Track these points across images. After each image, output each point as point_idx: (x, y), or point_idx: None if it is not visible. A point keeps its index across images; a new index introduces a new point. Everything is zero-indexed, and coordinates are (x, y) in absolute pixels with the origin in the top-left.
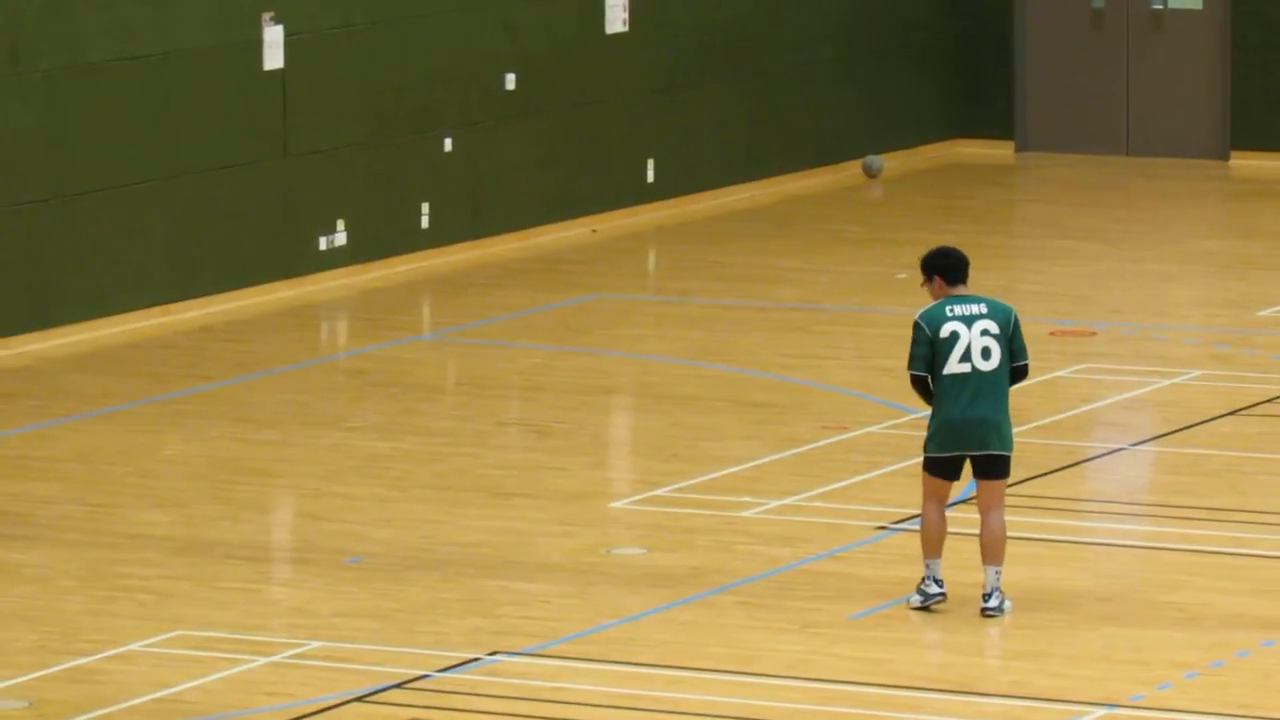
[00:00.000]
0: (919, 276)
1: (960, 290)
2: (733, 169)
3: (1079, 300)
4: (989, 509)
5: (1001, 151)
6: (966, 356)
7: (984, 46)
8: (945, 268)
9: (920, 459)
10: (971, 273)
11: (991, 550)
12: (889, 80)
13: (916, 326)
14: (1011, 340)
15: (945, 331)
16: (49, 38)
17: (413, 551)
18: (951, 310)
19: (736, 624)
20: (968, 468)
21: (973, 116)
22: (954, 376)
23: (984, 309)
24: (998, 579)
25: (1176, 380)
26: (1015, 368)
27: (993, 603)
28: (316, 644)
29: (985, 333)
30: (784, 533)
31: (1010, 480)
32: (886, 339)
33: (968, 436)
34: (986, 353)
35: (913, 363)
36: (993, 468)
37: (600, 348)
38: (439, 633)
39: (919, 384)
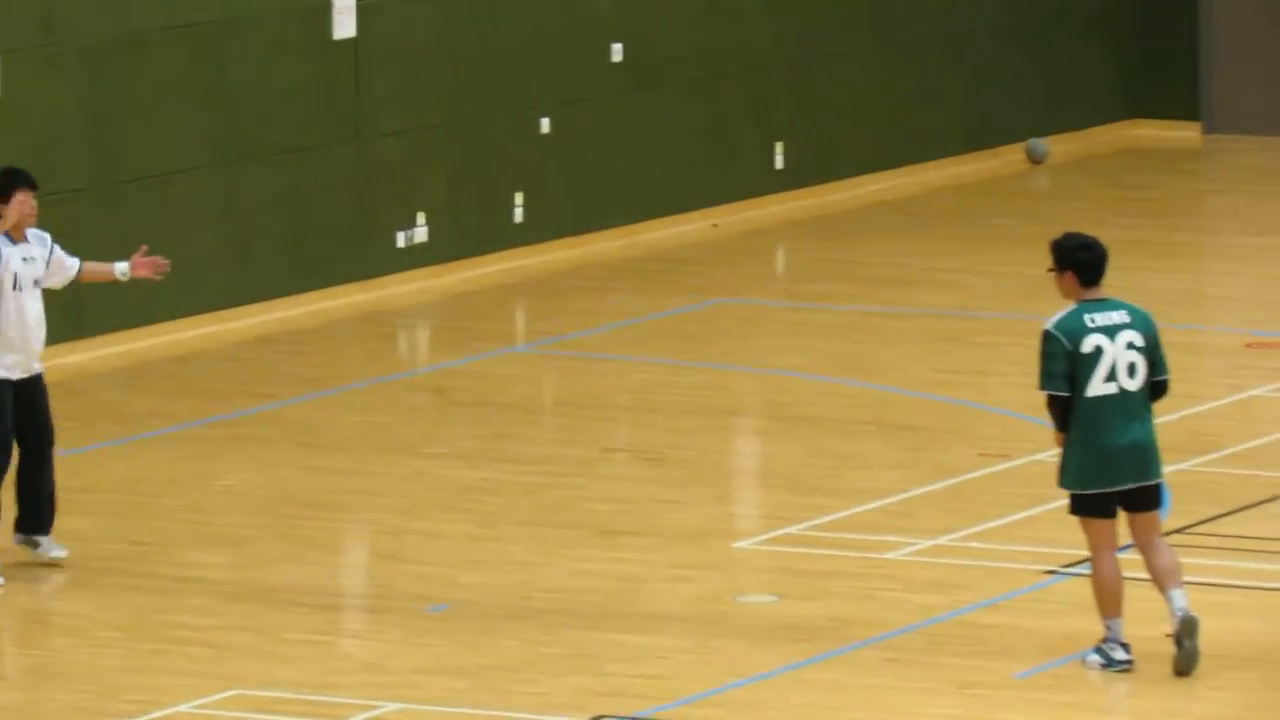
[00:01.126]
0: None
1: (1095, 293)
2: (875, 154)
3: (1269, 304)
4: (1149, 542)
5: (1186, 134)
6: (1112, 375)
7: (1167, 14)
8: (1085, 263)
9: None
10: (1149, 276)
11: (1169, 572)
12: (1057, 52)
13: (1050, 338)
14: (1153, 352)
15: (1087, 346)
16: (86, 4)
17: (506, 599)
18: (1091, 320)
19: (883, 684)
20: None
21: (1153, 94)
22: (1101, 399)
23: (1127, 317)
24: (1185, 600)
25: None
26: (1156, 383)
27: (1188, 645)
28: (393, 706)
29: (1131, 346)
30: (937, 578)
31: (1178, 521)
32: None
33: (1124, 467)
34: (1133, 369)
35: (1050, 381)
36: (1148, 498)
37: (722, 362)
38: (537, 693)
39: (1057, 406)
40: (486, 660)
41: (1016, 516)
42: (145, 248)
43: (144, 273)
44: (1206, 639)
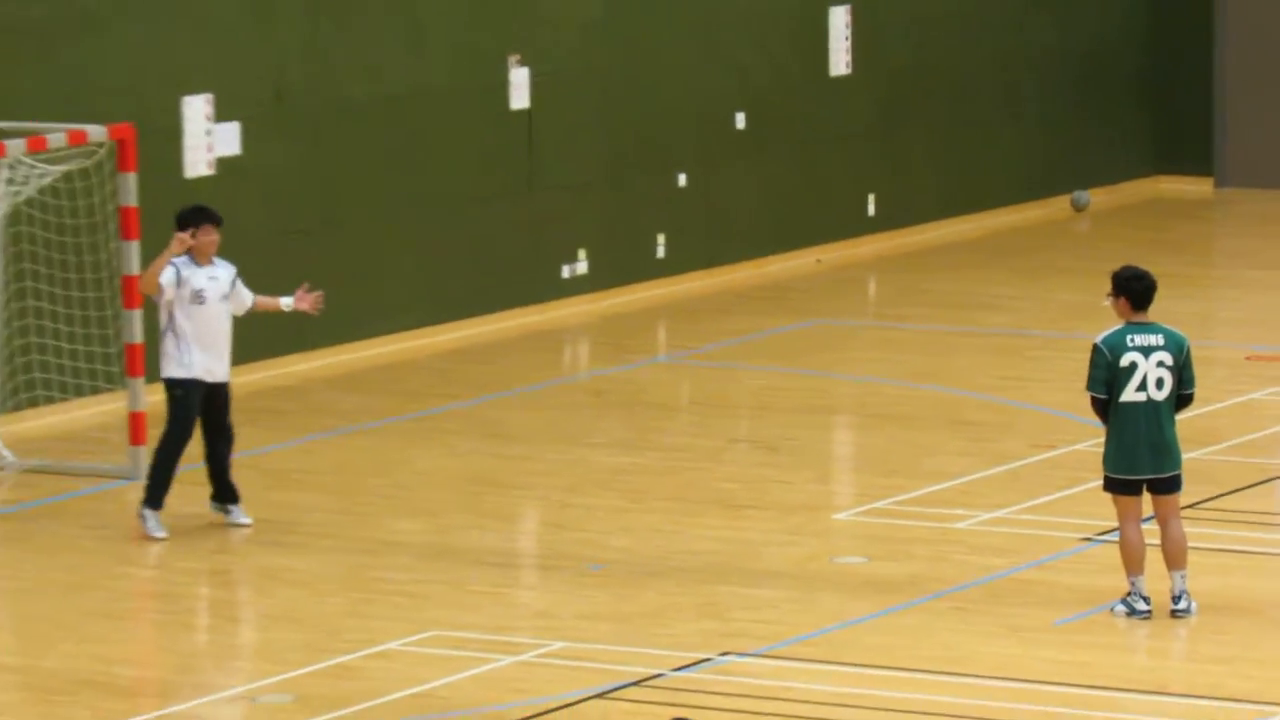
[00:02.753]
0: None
1: (1142, 317)
2: (948, 203)
3: (1274, 327)
4: (1168, 519)
5: (1201, 188)
6: (1143, 386)
7: (1184, 84)
8: (1136, 291)
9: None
10: (1170, 303)
11: (1176, 557)
12: (1092, 119)
13: (1097, 350)
14: (1182, 370)
15: (1125, 361)
16: (309, 78)
17: (650, 559)
18: (1132, 340)
19: (949, 628)
20: None
21: (1174, 154)
22: (1131, 405)
23: (1161, 340)
24: (1184, 582)
25: None
26: (1182, 395)
27: (1181, 604)
28: (560, 644)
29: (1160, 364)
30: (995, 543)
31: (1191, 498)
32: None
33: (1144, 461)
34: (1160, 383)
35: (1093, 385)
36: (1168, 484)
37: (823, 370)
38: (673, 634)
39: (1098, 405)
40: (633, 608)
41: (1059, 495)
42: (306, 285)
43: (304, 306)
44: (1210, 593)
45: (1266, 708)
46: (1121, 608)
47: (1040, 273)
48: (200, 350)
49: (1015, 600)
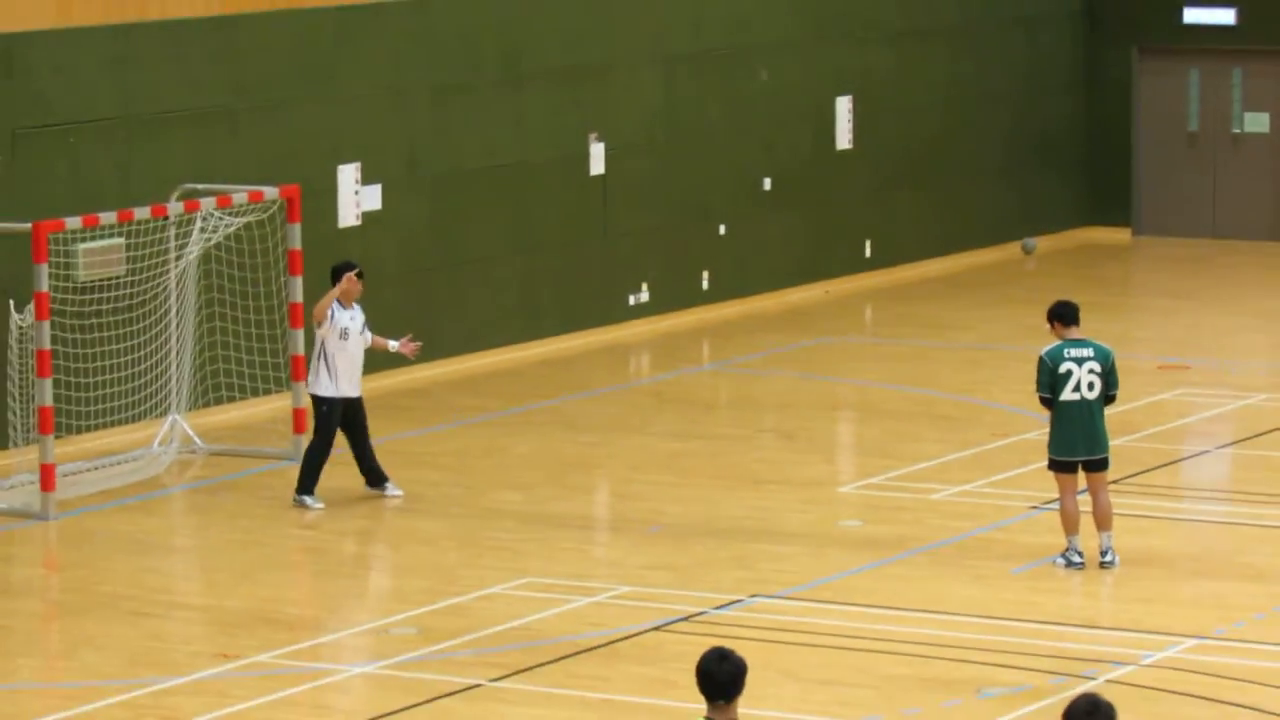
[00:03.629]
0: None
1: (1074, 333)
2: (928, 247)
3: (1178, 343)
4: (1097, 491)
5: (1122, 236)
6: (1077, 388)
7: (1110, 156)
8: (1061, 314)
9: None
10: (1099, 324)
11: (1103, 520)
12: (1038, 183)
13: (1041, 361)
14: (1108, 375)
15: (1063, 369)
16: (436, 151)
17: (697, 523)
18: (1068, 353)
19: (928, 576)
20: None
21: (1101, 209)
22: (1068, 403)
23: (1091, 352)
24: (1110, 540)
25: (1249, 401)
26: (1109, 396)
27: (1108, 558)
28: (627, 588)
29: (1091, 371)
30: (963, 510)
31: (1116, 475)
32: None
33: (1079, 446)
34: (1091, 385)
35: (1040, 388)
36: (1099, 465)
37: (832, 375)
38: (715, 580)
39: (1045, 403)
40: (684, 560)
41: (1013, 473)
42: (410, 335)
43: (404, 350)
44: (1130, 549)
45: (1175, 638)
46: (1061, 560)
47: (999, 301)
48: (343, 375)
49: (979, 554)
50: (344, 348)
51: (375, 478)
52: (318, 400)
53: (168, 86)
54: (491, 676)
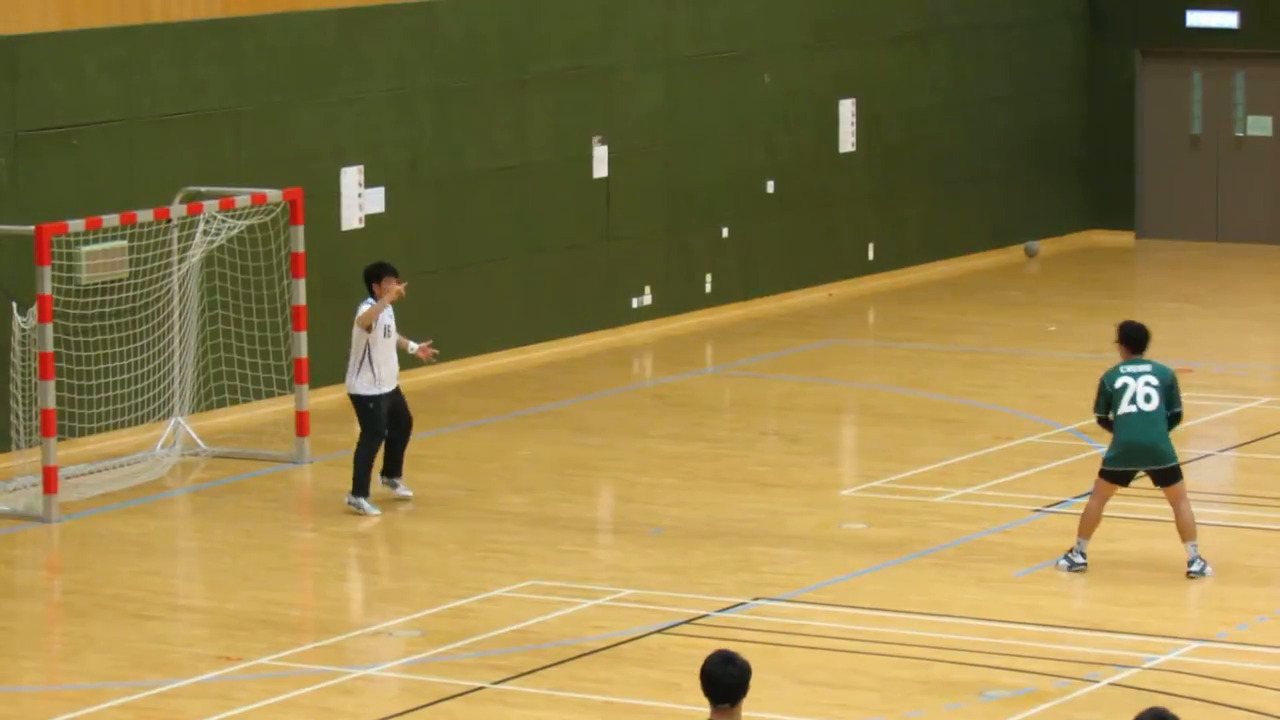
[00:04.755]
0: (1064, 330)
1: (1134, 356)
2: (930, 250)
3: (1181, 346)
4: (1176, 503)
5: (1125, 239)
6: (1133, 400)
7: (1113, 159)
8: (1125, 339)
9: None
10: (1101, 327)
11: (1186, 530)
12: (1042, 186)
13: (1100, 382)
14: (1168, 391)
15: (1118, 384)
16: (438, 154)
17: (700, 525)
18: (1124, 369)
19: (931, 578)
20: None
21: (1104, 212)
22: (1126, 415)
23: (1149, 368)
24: (1195, 550)
25: (1253, 405)
26: (1172, 414)
27: (1195, 567)
28: (629, 591)
29: (1148, 384)
30: (966, 513)
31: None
32: (1041, 374)
33: (1136, 457)
34: (1148, 398)
35: (1095, 409)
36: (1168, 475)
37: (834, 379)
38: (717, 583)
39: (1102, 424)
40: (686, 563)
41: (1016, 476)
42: (430, 340)
43: (421, 354)
44: (1134, 552)
45: (1178, 641)
46: (1064, 562)
47: (1001, 304)
48: (385, 372)
49: (982, 557)
50: (384, 345)
51: (394, 468)
52: (363, 399)
53: (171, 89)
54: (495, 679)
